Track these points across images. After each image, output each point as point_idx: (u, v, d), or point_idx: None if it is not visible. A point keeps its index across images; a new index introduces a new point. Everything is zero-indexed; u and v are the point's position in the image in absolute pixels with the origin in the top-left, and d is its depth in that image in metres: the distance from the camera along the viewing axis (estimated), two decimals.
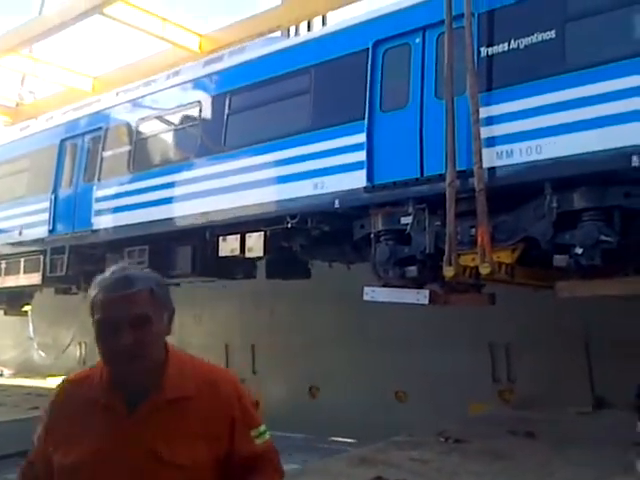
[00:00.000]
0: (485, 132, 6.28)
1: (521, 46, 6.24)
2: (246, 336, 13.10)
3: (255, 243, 8.35)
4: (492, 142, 6.30)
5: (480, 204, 6.13)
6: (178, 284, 11.65)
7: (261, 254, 8.33)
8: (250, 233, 8.40)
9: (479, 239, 6.15)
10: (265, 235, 8.29)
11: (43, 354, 16.98)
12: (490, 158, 6.27)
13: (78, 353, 16.13)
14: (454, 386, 10.06)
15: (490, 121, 6.33)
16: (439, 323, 10.33)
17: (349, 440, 10.34)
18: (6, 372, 17.30)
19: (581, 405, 8.81)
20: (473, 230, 6.42)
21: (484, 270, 6.07)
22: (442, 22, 6.67)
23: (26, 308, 15.67)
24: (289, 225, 7.94)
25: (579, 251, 5.91)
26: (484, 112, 6.31)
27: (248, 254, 8.42)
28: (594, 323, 8.50)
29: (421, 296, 7.21)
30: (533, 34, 6.16)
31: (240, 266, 10.18)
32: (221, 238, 8.69)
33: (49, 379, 14.90)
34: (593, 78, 5.76)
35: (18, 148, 12.42)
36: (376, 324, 11.06)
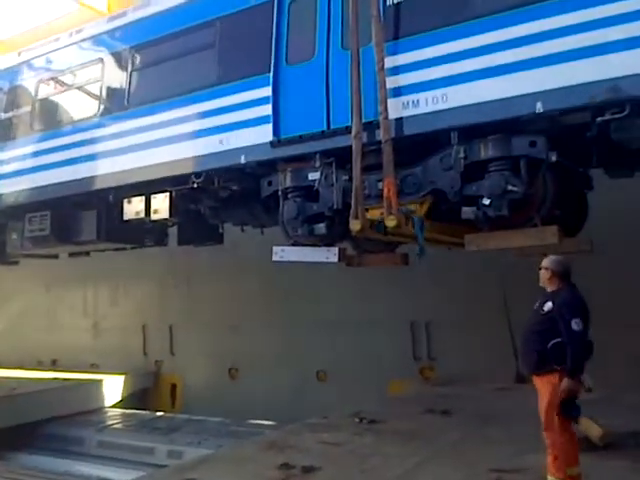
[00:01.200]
0: (391, 82, 6.10)
1: None
2: (164, 316, 12.82)
3: (160, 205, 7.98)
4: (398, 92, 6.13)
5: (386, 155, 5.96)
6: (88, 253, 11.20)
7: (167, 216, 7.96)
8: (155, 195, 8.02)
9: (385, 191, 5.97)
10: (171, 196, 7.93)
11: None
12: (396, 108, 6.10)
13: None
14: (376, 365, 10.13)
15: (396, 71, 6.16)
16: (362, 303, 10.35)
17: (267, 422, 10.19)
18: None
19: (504, 381, 8.91)
20: (381, 184, 6.25)
21: (390, 223, 5.89)
22: None
23: None
24: (195, 185, 7.60)
25: (486, 202, 5.83)
26: (390, 62, 6.13)
27: (154, 216, 8.04)
28: (515, 292, 8.63)
29: (331, 254, 7.04)
30: None
31: (150, 233, 9.80)
32: (126, 201, 8.26)
33: None
34: (501, 23, 5.64)
35: None
36: (297, 303, 11.07)
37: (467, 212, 6.05)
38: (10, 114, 9.57)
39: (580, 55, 5.23)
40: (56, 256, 11.59)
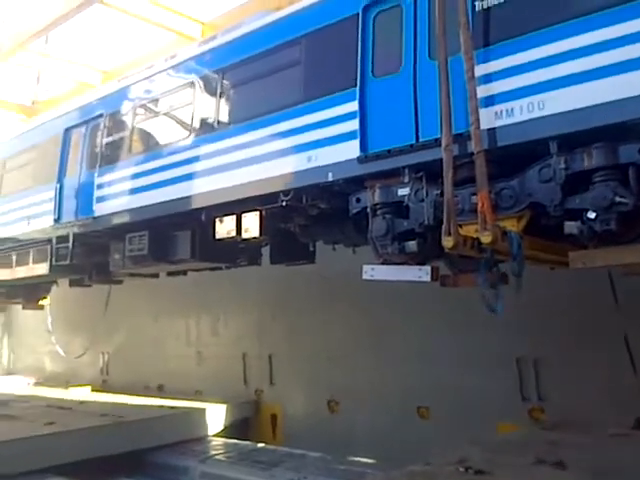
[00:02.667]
0: (482, 91, 5.76)
1: None
2: (263, 345, 12.77)
3: (251, 223, 7.97)
4: (490, 101, 5.79)
5: (479, 167, 5.61)
6: (185, 273, 11.48)
7: (257, 234, 7.93)
8: (246, 213, 8.04)
9: (479, 205, 5.62)
10: (261, 215, 7.91)
11: (62, 352, 16.98)
12: (489, 119, 5.75)
13: (101, 361, 16.29)
14: (479, 403, 9.47)
15: (488, 79, 5.82)
16: (464, 335, 9.83)
17: (368, 461, 9.80)
18: (29, 381, 17.07)
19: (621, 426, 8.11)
20: (474, 198, 5.91)
21: (485, 239, 5.53)
22: None
23: (44, 302, 15.71)
24: (284, 203, 7.54)
25: (592, 215, 5.34)
26: (481, 70, 5.80)
27: (244, 235, 8.04)
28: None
29: (423, 273, 6.71)
30: None
31: (244, 252, 9.89)
32: (218, 220, 8.34)
33: (71, 389, 14.93)
34: (606, 22, 5.19)
35: (25, 141, 12.34)
36: (394, 333, 10.66)
37: (571, 227, 5.57)
38: (110, 139, 9.95)
39: None
40: (157, 275, 11.96)
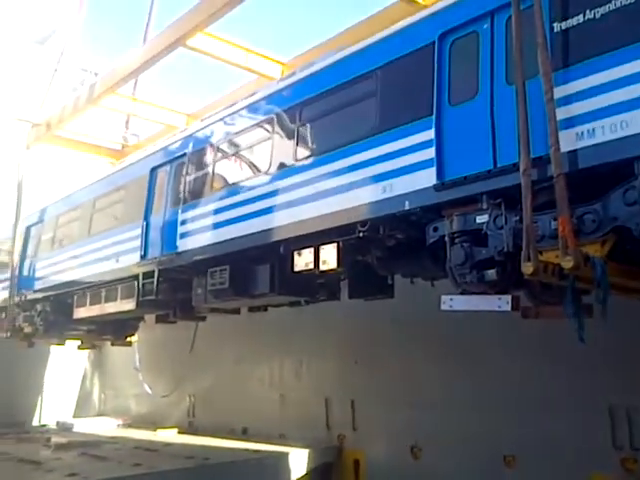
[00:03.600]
0: (562, 113, 5.64)
1: (598, 15, 5.61)
2: (345, 390, 12.65)
3: (328, 255, 8.01)
4: (570, 123, 5.65)
5: (559, 190, 5.46)
6: (266, 309, 11.61)
7: (335, 266, 7.95)
8: (323, 246, 8.10)
9: (560, 229, 5.45)
10: (338, 246, 7.95)
11: (149, 390, 17.44)
12: (569, 140, 5.61)
13: (188, 403, 16.53)
14: (567, 452, 8.98)
15: (567, 100, 5.69)
16: (550, 380, 9.43)
17: None
18: (118, 422, 17.57)
19: None
20: (554, 223, 5.74)
21: (567, 264, 5.34)
22: (510, 4, 6.16)
23: (132, 339, 16.27)
24: (360, 234, 7.56)
25: None
26: (560, 91, 5.69)
27: (322, 267, 8.08)
28: None
29: (503, 302, 6.52)
30: (611, 1, 5.52)
31: (322, 286, 9.93)
32: (296, 253, 8.44)
33: (158, 431, 15.30)
34: None
35: (114, 181, 12.99)
36: (476, 377, 10.30)
37: None
38: (193, 176, 10.33)
39: None
40: (238, 311, 12.15)
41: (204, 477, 10.32)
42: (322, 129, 8.29)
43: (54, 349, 19.27)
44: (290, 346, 13.88)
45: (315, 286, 9.77)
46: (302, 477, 11.64)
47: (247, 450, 12.12)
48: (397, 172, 7.06)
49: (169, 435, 15.04)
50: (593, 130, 5.50)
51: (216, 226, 9.65)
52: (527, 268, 5.56)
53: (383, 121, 7.36)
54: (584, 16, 5.69)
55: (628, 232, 5.50)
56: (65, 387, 19.76)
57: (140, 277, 11.26)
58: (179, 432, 15.37)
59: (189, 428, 15.84)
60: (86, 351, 19.83)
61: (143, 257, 11.15)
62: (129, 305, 11.70)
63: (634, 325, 8.32)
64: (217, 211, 9.66)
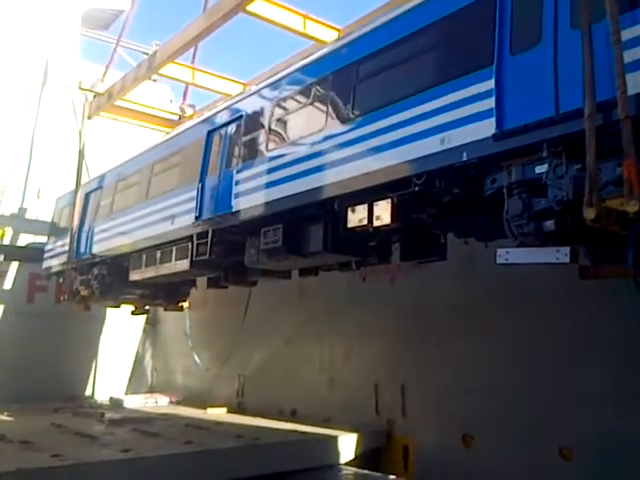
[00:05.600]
0: (629, 56, 5.49)
1: None
2: (396, 375, 12.48)
3: (382, 211, 8.03)
4: (637, 66, 5.50)
5: (625, 134, 5.33)
6: (316, 273, 11.67)
7: (389, 222, 7.95)
8: (377, 202, 8.12)
9: (625, 173, 5.33)
10: (393, 202, 7.95)
11: (199, 360, 17.78)
12: (637, 83, 5.46)
13: (236, 384, 16.63)
14: (631, 448, 8.56)
15: (635, 42, 5.54)
16: (616, 370, 9.00)
17: None
18: (160, 401, 17.78)
19: None
20: (619, 169, 5.60)
21: (632, 208, 5.23)
22: None
23: (184, 304, 16.64)
24: (416, 188, 7.54)
25: None
26: (628, 34, 5.54)
27: (376, 223, 8.10)
28: None
29: (561, 254, 6.40)
30: None
31: (374, 249, 9.93)
32: (349, 209, 8.47)
33: (208, 409, 15.51)
34: None
35: (171, 146, 13.26)
36: (545, 364, 9.89)
37: None
38: (248, 137, 10.46)
39: None
40: (289, 276, 12.28)
41: (254, 456, 10.38)
42: (379, 84, 8.27)
43: (109, 321, 19.95)
44: (341, 330, 13.85)
45: (367, 247, 9.79)
46: (350, 461, 11.58)
47: (296, 432, 12.16)
48: (456, 124, 6.99)
49: (219, 414, 15.21)
50: None
51: (271, 185, 9.74)
52: (590, 213, 5.48)
53: (443, 73, 7.31)
54: None
55: None
56: (119, 361, 20.30)
57: (194, 238, 11.49)
58: (228, 411, 15.54)
59: (238, 408, 15.94)
60: (140, 324, 20.45)
61: (198, 218, 11.36)
62: (183, 266, 11.94)
63: None
64: (272, 170, 9.75)
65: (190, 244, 11.67)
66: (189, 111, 17.98)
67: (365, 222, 8.24)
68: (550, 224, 6.33)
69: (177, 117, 18.40)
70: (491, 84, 6.67)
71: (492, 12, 6.83)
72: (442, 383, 11.48)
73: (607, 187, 5.73)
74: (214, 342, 17.68)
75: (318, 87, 9.29)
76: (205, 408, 15.64)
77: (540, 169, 6.35)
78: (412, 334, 12.19)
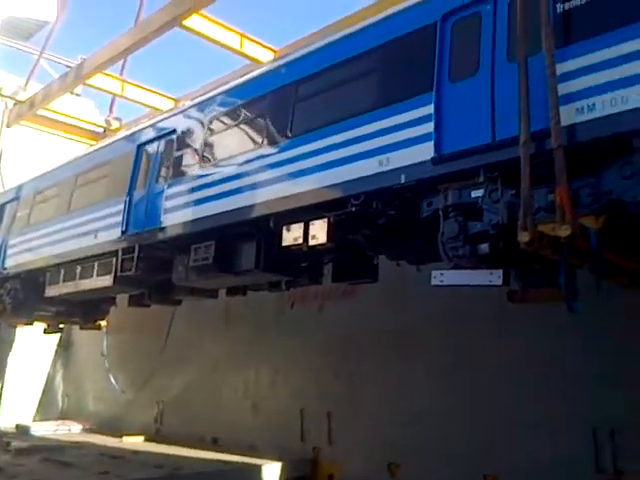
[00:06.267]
0: (563, 89, 5.80)
1: None
2: (323, 401, 12.35)
3: (318, 230, 8.04)
4: (570, 98, 5.80)
5: (558, 161, 5.60)
6: (245, 293, 11.51)
7: (324, 241, 7.97)
8: (314, 221, 8.13)
9: (558, 199, 5.58)
10: (329, 222, 7.99)
11: (115, 382, 17.07)
12: (569, 115, 5.76)
13: (155, 410, 15.99)
14: (551, 473, 8.83)
15: (568, 77, 5.85)
16: (534, 398, 9.30)
17: None
18: (73, 428, 16.97)
19: None
20: (551, 196, 5.87)
21: (563, 232, 5.47)
22: None
23: (102, 323, 15.98)
24: (353, 209, 7.61)
25: None
26: (561, 68, 5.85)
27: (311, 242, 8.10)
28: None
29: (494, 277, 6.64)
30: None
31: (305, 269, 9.96)
32: (285, 227, 8.44)
33: (125, 438, 14.81)
34: None
35: (96, 158, 12.86)
36: (472, 392, 10.10)
37: None
38: (182, 152, 10.30)
39: None
40: (216, 295, 12.08)
41: None
42: (319, 104, 8.34)
43: (17, 342, 18.83)
44: (267, 357, 13.67)
45: (299, 267, 9.80)
46: None
47: (218, 461, 11.86)
48: (395, 146, 7.13)
49: (136, 442, 14.57)
50: (593, 105, 5.65)
51: (203, 201, 9.59)
52: (524, 236, 5.68)
53: (383, 96, 7.47)
54: None
55: (622, 207, 5.66)
56: (27, 385, 19.10)
57: (119, 253, 11.11)
58: (146, 439, 14.95)
59: (156, 435, 15.35)
60: (52, 345, 19.41)
61: (124, 232, 11.01)
62: (106, 282, 11.51)
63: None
64: (206, 186, 9.61)
65: (115, 259, 11.27)
66: (115, 124, 17.54)
67: (300, 241, 8.22)
68: (484, 247, 6.52)
69: (102, 130, 17.92)
70: (430, 109, 6.87)
71: (433, 39, 7.06)
72: (370, 410, 11.49)
73: (539, 213, 6.00)
74: (133, 364, 17.05)
75: (256, 105, 9.30)
76: (121, 436, 14.94)
77: (476, 193, 6.56)
78: (341, 360, 12.19)
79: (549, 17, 5.90)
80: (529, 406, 9.33)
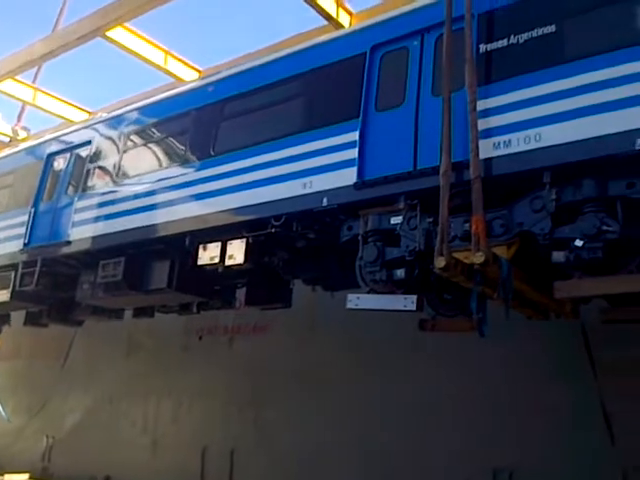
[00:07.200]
0: (482, 124, 6.10)
1: (520, 41, 6.21)
2: (226, 438, 11.97)
3: (236, 250, 7.98)
4: (489, 133, 6.12)
5: (476, 192, 5.85)
6: (152, 314, 11.12)
7: (242, 261, 7.91)
8: (232, 241, 8.05)
9: (473, 227, 5.81)
10: (247, 242, 7.93)
11: (3, 412, 15.85)
12: (487, 149, 6.06)
13: (43, 446, 14.86)
14: None
15: (487, 113, 6.18)
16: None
17: None
18: None
19: None
20: (467, 225, 6.12)
21: (478, 259, 5.69)
22: (440, 25, 6.68)
23: None
24: (273, 230, 7.60)
25: (579, 243, 5.60)
26: (481, 105, 6.17)
27: (228, 262, 8.01)
28: None
29: (408, 302, 6.76)
30: (533, 30, 6.15)
31: (219, 293, 9.83)
32: (201, 246, 8.30)
33: (7, 476, 13.65)
34: (593, 66, 5.67)
35: (1, 166, 12.22)
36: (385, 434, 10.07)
37: (558, 256, 5.83)
38: (95, 164, 9.98)
39: None
40: (121, 316, 11.61)
41: None
42: (243, 125, 8.36)
43: None
44: (170, 389, 13.15)
45: (212, 289, 9.64)
46: None
47: None
48: (319, 170, 7.23)
49: None
50: (509, 141, 5.98)
51: (116, 215, 9.29)
52: (440, 262, 5.84)
53: (310, 120, 7.58)
54: (508, 41, 6.28)
55: (532, 238, 5.98)
56: None
57: (20, 266, 10.52)
58: (31, 478, 13.91)
59: (43, 474, 14.34)
60: None
61: (27, 245, 10.46)
62: (2, 296, 10.83)
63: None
64: (119, 200, 9.34)
65: (13, 273, 10.64)
66: (22, 134, 16.76)
67: (217, 260, 8.11)
68: (401, 272, 6.69)
69: (8, 139, 17.07)
70: (355, 136, 7.03)
71: (362, 69, 7.27)
72: (274, 448, 11.24)
73: (455, 240, 6.23)
74: (22, 393, 15.97)
75: (178, 122, 9.20)
76: (2, 474, 13.75)
77: (395, 220, 6.74)
78: (248, 396, 11.94)
79: (472, 56, 6.22)
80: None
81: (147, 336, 13.30)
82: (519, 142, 5.91)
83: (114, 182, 9.58)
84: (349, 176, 6.95)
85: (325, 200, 7.08)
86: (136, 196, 9.13)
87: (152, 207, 8.83)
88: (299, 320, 9.94)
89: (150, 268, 9.15)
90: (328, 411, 10.77)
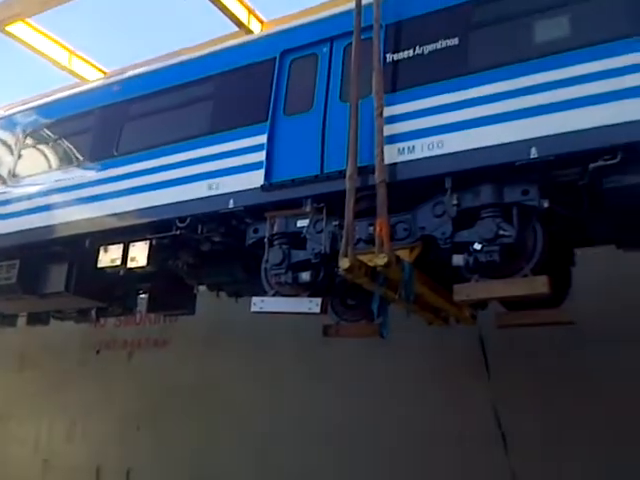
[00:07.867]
0: (387, 130, 6.24)
1: (425, 52, 6.42)
2: (124, 456, 11.59)
3: (139, 252, 7.75)
4: (394, 139, 6.26)
5: (380, 196, 5.95)
6: (47, 322, 10.60)
7: (144, 264, 7.69)
8: (134, 242, 7.82)
9: (377, 230, 5.91)
10: (151, 244, 7.73)
11: None
12: (392, 154, 6.20)
13: None
14: None
15: (393, 120, 6.33)
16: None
17: None
18: None
19: None
20: (371, 228, 6.22)
21: (381, 261, 5.78)
22: (349, 33, 6.80)
23: None
24: (178, 232, 7.44)
25: (477, 247, 5.81)
26: (388, 111, 6.31)
27: (130, 264, 7.77)
28: None
29: (313, 304, 6.77)
30: (437, 41, 6.37)
31: (119, 299, 9.51)
32: (102, 248, 8.01)
33: None
34: (494, 78, 5.94)
35: None
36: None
37: (457, 259, 5.99)
38: None
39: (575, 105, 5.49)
40: (14, 323, 11.00)
41: None
42: (149, 125, 8.18)
43: None
44: (65, 405, 12.62)
45: (112, 297, 9.32)
46: None
47: None
48: (226, 171, 7.17)
49: None
50: (413, 147, 6.15)
51: (10, 216, 8.85)
52: (344, 263, 5.88)
53: (217, 122, 7.51)
54: (413, 51, 6.48)
55: (433, 242, 6.15)
56: None
57: None
58: None
59: None
60: None
61: None
62: None
63: None
64: (15, 200, 8.90)
65: None
66: None
67: (118, 262, 7.85)
68: (306, 275, 6.69)
69: None
70: (264, 139, 7.02)
71: (271, 73, 7.29)
72: (173, 467, 10.95)
73: (359, 243, 6.32)
74: None
75: (80, 121, 8.93)
76: None
77: (301, 223, 6.77)
78: (146, 413, 11.62)
79: (380, 64, 6.37)
80: None
81: (41, 350, 12.61)
82: (422, 148, 6.08)
83: (9, 181, 9.11)
84: (256, 179, 6.92)
85: (232, 202, 7.02)
86: (32, 196, 8.72)
87: (50, 207, 8.46)
88: (201, 331, 9.72)
89: (47, 271, 8.73)
90: (227, 426, 10.64)
